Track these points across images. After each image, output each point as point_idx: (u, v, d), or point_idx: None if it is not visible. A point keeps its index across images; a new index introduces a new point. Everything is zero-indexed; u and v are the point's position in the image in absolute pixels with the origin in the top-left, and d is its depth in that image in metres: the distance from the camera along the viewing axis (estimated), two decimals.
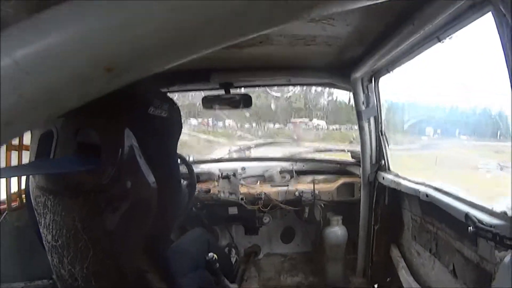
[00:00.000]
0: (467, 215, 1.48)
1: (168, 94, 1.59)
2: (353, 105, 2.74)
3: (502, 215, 1.35)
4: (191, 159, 3.46)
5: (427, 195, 1.92)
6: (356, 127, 2.81)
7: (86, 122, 1.26)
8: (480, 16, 1.31)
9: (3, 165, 1.86)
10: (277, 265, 3.62)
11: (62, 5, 0.51)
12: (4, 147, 1.84)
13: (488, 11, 1.23)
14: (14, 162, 1.91)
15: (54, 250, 1.39)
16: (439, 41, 1.60)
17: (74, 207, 1.29)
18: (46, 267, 1.53)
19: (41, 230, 1.43)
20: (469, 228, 1.43)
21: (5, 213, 1.90)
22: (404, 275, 2.30)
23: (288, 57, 2.34)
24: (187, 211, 2.74)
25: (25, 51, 0.47)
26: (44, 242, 1.45)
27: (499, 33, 1.18)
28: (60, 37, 0.48)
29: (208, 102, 2.97)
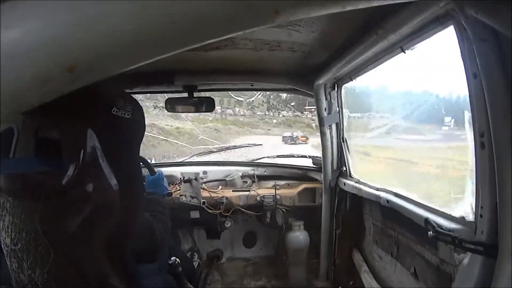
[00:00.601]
0: (427, 220, 1.52)
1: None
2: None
3: (460, 220, 1.40)
4: (152, 161, 3.41)
5: (387, 201, 1.96)
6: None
7: (47, 121, 1.22)
8: (443, 29, 1.35)
9: None
10: (240, 269, 3.61)
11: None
12: None
13: (450, 25, 1.27)
14: None
15: (13, 254, 1.33)
16: (403, 51, 1.63)
17: (34, 209, 1.24)
18: (5, 272, 1.46)
19: None
20: (429, 232, 1.47)
21: None
22: (367, 278, 2.35)
23: (253, 61, 2.34)
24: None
25: None
26: (2, 246, 1.38)
27: (460, 46, 1.23)
28: (20, 32, 0.47)
29: (171, 104, 2.94)
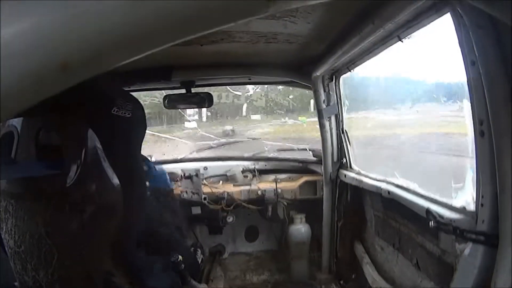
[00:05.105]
0: (428, 210, 1.52)
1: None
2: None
3: (461, 210, 1.40)
4: (152, 159, 3.41)
5: (388, 192, 1.96)
6: None
7: (47, 123, 1.21)
8: (439, 17, 1.34)
9: None
10: (243, 264, 3.63)
11: None
12: None
13: (446, 12, 1.26)
14: None
15: (17, 256, 1.33)
16: (400, 40, 1.62)
17: (37, 211, 1.24)
18: (9, 274, 1.46)
19: (2, 236, 1.37)
20: (430, 222, 1.47)
21: None
22: (369, 270, 2.35)
23: (249, 54, 2.33)
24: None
25: None
26: (6, 249, 1.39)
27: (457, 34, 1.21)
28: (10, 32, 0.45)
29: (170, 101, 2.92)
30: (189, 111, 6.56)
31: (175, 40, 0.55)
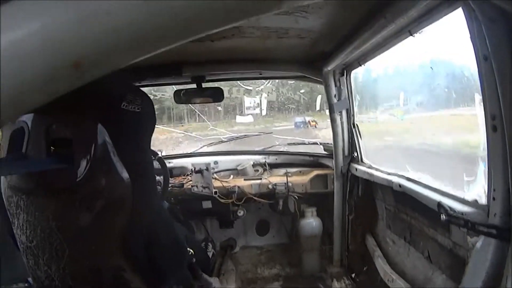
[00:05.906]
0: (439, 204, 1.52)
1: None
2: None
3: (473, 203, 1.40)
4: (162, 154, 3.43)
5: (400, 185, 1.96)
6: None
7: (57, 118, 1.23)
8: (451, 12, 1.34)
9: None
10: (254, 257, 3.65)
11: None
12: None
13: (458, 7, 1.26)
14: None
15: (29, 251, 1.35)
16: (411, 34, 1.62)
17: (48, 206, 1.25)
18: (22, 269, 1.48)
19: (14, 231, 1.39)
20: (441, 216, 1.47)
21: None
22: (380, 263, 2.35)
23: (260, 50, 2.33)
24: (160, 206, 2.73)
25: None
26: (18, 244, 1.40)
27: (469, 28, 1.21)
28: (24, 32, 0.46)
29: (179, 96, 2.93)
30: (248, 103, 6.24)
31: (187, 38, 0.55)
